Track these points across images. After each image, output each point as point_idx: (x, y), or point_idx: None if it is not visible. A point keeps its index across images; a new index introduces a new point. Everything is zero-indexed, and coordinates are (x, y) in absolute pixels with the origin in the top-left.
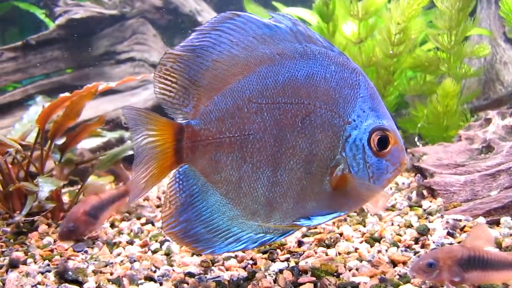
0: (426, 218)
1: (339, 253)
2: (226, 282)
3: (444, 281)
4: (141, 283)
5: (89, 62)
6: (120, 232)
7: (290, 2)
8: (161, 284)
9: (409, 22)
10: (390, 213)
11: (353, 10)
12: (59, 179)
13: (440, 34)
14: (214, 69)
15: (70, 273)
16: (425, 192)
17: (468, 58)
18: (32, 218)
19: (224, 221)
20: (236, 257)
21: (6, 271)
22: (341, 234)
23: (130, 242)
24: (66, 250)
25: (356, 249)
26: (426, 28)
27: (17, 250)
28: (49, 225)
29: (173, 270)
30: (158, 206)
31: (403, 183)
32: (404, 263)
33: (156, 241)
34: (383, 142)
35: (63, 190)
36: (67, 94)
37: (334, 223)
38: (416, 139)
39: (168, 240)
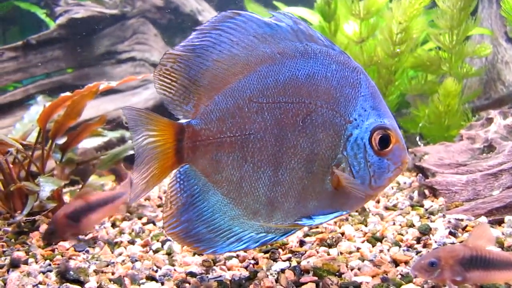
0: (428, 217)
1: (341, 253)
2: (228, 282)
3: (446, 280)
4: (143, 283)
5: (90, 61)
6: (121, 232)
7: (291, 2)
8: (162, 283)
9: (411, 21)
10: (392, 212)
11: (354, 9)
12: (60, 178)
13: (442, 34)
14: (215, 69)
15: (71, 272)
16: (426, 191)
17: (469, 58)
18: (33, 217)
19: (226, 221)
20: (237, 256)
21: (7, 271)
22: (342, 234)
23: (132, 242)
24: (68, 249)
25: (358, 248)
26: (428, 27)
27: (18, 250)
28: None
29: (175, 270)
30: (159, 206)
31: (405, 183)
32: (406, 262)
33: (158, 240)
34: (385, 141)
35: (64, 190)
36: (68, 93)
37: (335, 222)
38: (417, 138)
39: (170, 240)
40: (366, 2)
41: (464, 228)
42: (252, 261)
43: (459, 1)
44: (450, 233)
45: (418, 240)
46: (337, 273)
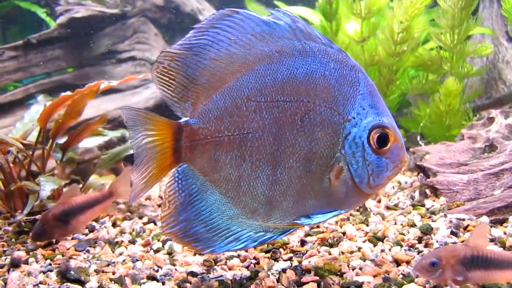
0: (429, 217)
1: (342, 252)
2: (229, 282)
3: (447, 280)
4: (144, 283)
5: (90, 61)
6: (122, 232)
7: (292, 1)
8: (163, 283)
9: (412, 20)
10: (393, 212)
11: (356, 9)
12: (61, 178)
13: (443, 33)
14: (212, 67)
15: (72, 272)
16: (428, 191)
17: (470, 57)
18: (33, 217)
19: (224, 220)
20: (238, 256)
21: (8, 271)
22: (344, 233)
23: (132, 242)
24: (68, 249)
25: (359, 248)
26: (429, 26)
27: (18, 250)
28: None
29: (176, 270)
30: (160, 205)
31: (406, 182)
32: (408, 262)
33: (158, 240)
34: (383, 139)
35: (65, 189)
36: (68, 93)
37: (337, 222)
38: (418, 138)
39: (171, 240)
40: (367, 2)
41: (465, 228)
42: (253, 261)
43: (460, 0)
44: (452, 232)
45: (420, 240)
46: (338, 273)
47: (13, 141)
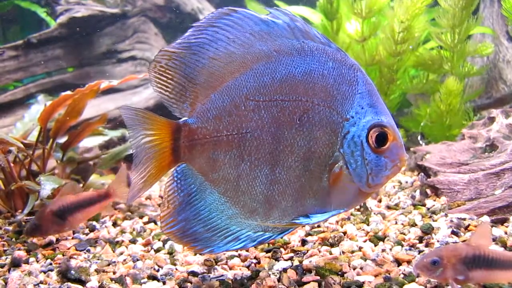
0: (430, 217)
1: (343, 252)
2: (230, 281)
3: (449, 279)
4: (144, 282)
5: (90, 60)
6: (122, 231)
7: (293, 1)
8: (164, 283)
9: (413, 20)
10: (394, 211)
11: (356, 8)
12: (61, 177)
13: (443, 33)
14: (211, 67)
15: (72, 272)
16: (428, 191)
17: (470, 57)
18: (34, 217)
19: (223, 220)
20: (239, 256)
21: (9, 270)
22: (344, 233)
23: (133, 241)
24: (69, 249)
25: (360, 248)
26: (429, 26)
27: (19, 249)
28: None
29: (176, 269)
30: (160, 205)
31: (407, 182)
32: (409, 262)
33: (159, 240)
34: (382, 138)
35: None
36: (69, 92)
37: (337, 222)
38: (419, 138)
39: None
40: (368, 1)
41: (466, 228)
42: (254, 260)
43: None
44: (453, 232)
45: (421, 240)
46: (339, 273)
47: (13, 140)
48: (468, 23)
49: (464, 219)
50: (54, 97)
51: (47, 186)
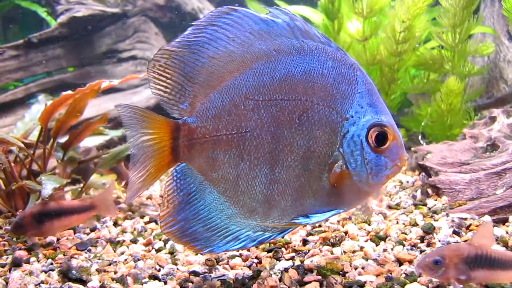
0: (431, 216)
1: (345, 252)
2: (231, 281)
3: (450, 279)
4: (146, 282)
5: (91, 60)
6: (123, 231)
7: (293, 0)
8: (165, 283)
9: (414, 20)
10: (395, 211)
11: (357, 8)
12: (62, 177)
13: (444, 32)
14: (210, 66)
15: (73, 271)
16: (429, 190)
17: (471, 57)
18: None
19: (222, 220)
20: (240, 255)
21: (9, 270)
22: (346, 233)
23: (134, 241)
24: (69, 248)
25: (362, 247)
26: (430, 25)
27: (20, 249)
28: None
29: (178, 269)
30: (160, 204)
31: (408, 182)
32: (410, 261)
33: (160, 239)
34: (382, 138)
35: (66, 189)
36: (69, 92)
37: (338, 221)
38: (419, 137)
39: None
40: (369, 1)
41: (468, 227)
42: (255, 260)
43: None
44: (454, 232)
45: (422, 239)
46: (341, 272)
47: (14, 140)
48: (469, 23)
49: (466, 218)
50: (54, 97)
51: (48, 185)
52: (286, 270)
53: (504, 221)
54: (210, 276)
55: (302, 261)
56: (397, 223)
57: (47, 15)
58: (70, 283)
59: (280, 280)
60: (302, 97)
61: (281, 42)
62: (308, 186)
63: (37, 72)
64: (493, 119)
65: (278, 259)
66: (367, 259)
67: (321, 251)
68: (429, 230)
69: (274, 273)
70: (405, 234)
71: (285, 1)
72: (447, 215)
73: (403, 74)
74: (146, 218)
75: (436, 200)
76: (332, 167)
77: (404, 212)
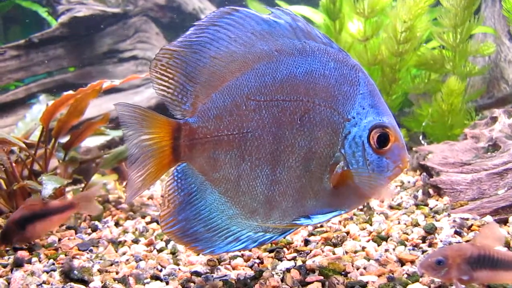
0: (433, 216)
1: (346, 252)
2: (233, 281)
3: (453, 279)
4: (147, 282)
5: (92, 60)
6: (125, 231)
7: (294, 0)
8: (167, 283)
9: (415, 20)
10: (397, 211)
11: (359, 8)
12: (63, 177)
13: (445, 32)
14: (212, 66)
15: (75, 272)
16: (431, 190)
17: (472, 57)
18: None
19: (223, 220)
20: (242, 256)
21: (11, 270)
22: (347, 233)
23: (135, 241)
24: (71, 249)
25: (363, 248)
26: (431, 26)
27: (21, 249)
28: None
29: (179, 269)
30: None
31: (409, 182)
32: (412, 262)
33: (162, 240)
34: (383, 139)
35: (67, 189)
36: (71, 92)
37: (340, 222)
38: (420, 137)
39: None
40: (370, 1)
41: (469, 227)
42: (257, 261)
43: None
44: (456, 232)
45: (424, 239)
46: (343, 272)
47: (15, 140)
48: (470, 23)
49: (467, 219)
50: (55, 97)
51: (48, 185)
52: (288, 270)
53: (505, 222)
54: (212, 276)
55: (304, 261)
56: (399, 223)
57: (48, 15)
58: (72, 284)
59: (282, 280)
60: (304, 98)
61: (283, 43)
62: (309, 187)
63: (38, 72)
64: (494, 119)
65: (280, 260)
66: (369, 259)
67: (323, 251)
68: (430, 231)
69: (276, 273)
70: (407, 234)
71: (286, 1)
72: (449, 215)
73: (404, 74)
74: (148, 218)
75: (437, 200)
76: (334, 168)
77: (406, 212)
